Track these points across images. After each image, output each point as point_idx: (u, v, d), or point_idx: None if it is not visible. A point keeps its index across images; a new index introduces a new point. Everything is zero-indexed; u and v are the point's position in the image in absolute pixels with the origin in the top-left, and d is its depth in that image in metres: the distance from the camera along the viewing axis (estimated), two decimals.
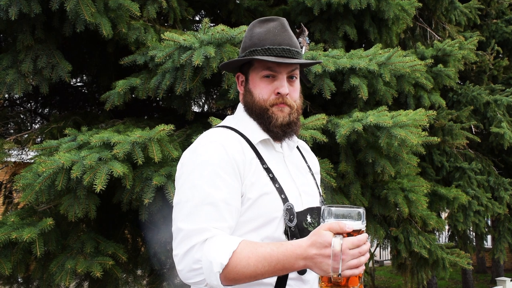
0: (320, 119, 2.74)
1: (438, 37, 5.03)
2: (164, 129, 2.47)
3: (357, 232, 1.30)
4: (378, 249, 5.48)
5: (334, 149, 3.10)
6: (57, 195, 2.57)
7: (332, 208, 1.34)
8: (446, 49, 4.12)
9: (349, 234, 1.29)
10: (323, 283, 1.33)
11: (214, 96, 4.50)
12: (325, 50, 3.66)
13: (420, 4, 4.43)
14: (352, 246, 1.27)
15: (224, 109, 4.52)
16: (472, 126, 5.01)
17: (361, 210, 1.32)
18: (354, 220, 1.31)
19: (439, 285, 10.81)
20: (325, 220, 1.34)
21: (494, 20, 6.09)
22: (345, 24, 3.87)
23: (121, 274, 3.07)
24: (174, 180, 2.32)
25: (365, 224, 1.34)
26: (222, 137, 1.53)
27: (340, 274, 1.26)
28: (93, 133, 2.73)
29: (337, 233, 1.28)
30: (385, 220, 3.83)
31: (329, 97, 3.07)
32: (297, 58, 1.58)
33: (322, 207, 1.37)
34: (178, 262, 1.40)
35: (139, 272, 3.92)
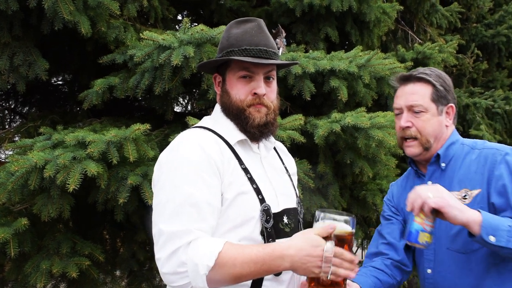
0: (297, 119, 2.75)
1: (420, 40, 5.09)
2: (139, 128, 2.45)
3: (344, 236, 1.37)
4: (359, 249, 5.53)
5: (313, 150, 3.11)
6: (30, 194, 2.54)
7: (324, 213, 1.41)
8: (426, 52, 4.17)
9: (341, 240, 1.36)
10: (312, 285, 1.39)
11: (197, 96, 4.48)
12: (306, 51, 3.67)
13: (402, 7, 4.48)
14: (341, 255, 1.33)
15: (207, 109, 4.51)
16: None
17: (349, 218, 1.39)
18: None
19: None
20: (316, 222, 1.41)
21: (474, 24, 6.18)
22: (326, 26, 3.89)
23: (98, 275, 3.04)
24: (150, 180, 2.31)
25: (354, 232, 1.41)
26: (199, 138, 1.54)
27: (328, 277, 1.33)
28: (68, 132, 2.70)
29: (326, 238, 1.34)
30: (364, 221, 3.86)
31: (309, 99, 3.08)
32: (274, 59, 1.59)
33: (316, 212, 1.41)
34: (161, 265, 1.39)
35: (117, 272, 3.88)
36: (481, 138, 4.90)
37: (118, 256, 3.65)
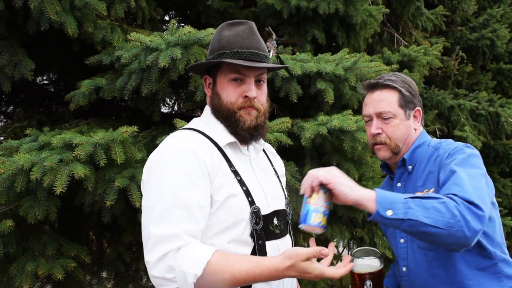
0: (284, 122, 2.77)
1: (405, 42, 5.15)
2: (127, 130, 2.44)
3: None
4: (345, 250, 5.59)
5: (300, 152, 3.13)
6: (16, 196, 2.52)
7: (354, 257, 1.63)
8: (411, 54, 4.22)
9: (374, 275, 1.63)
10: None
11: (184, 97, 4.48)
12: (293, 53, 3.69)
13: (388, 10, 4.53)
14: None
15: (193, 110, 4.50)
16: (437, 130, 5.14)
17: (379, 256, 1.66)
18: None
19: None
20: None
21: (459, 27, 6.27)
22: (313, 28, 3.92)
23: (84, 276, 3.03)
24: (138, 182, 2.30)
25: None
26: (190, 140, 1.54)
27: None
28: (55, 133, 2.68)
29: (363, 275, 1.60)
30: (350, 222, 3.89)
31: (296, 101, 3.10)
32: (265, 62, 1.61)
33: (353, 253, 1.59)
34: (150, 269, 1.40)
35: (104, 274, 3.86)
36: (465, 139, 4.98)
37: (105, 257, 3.64)
